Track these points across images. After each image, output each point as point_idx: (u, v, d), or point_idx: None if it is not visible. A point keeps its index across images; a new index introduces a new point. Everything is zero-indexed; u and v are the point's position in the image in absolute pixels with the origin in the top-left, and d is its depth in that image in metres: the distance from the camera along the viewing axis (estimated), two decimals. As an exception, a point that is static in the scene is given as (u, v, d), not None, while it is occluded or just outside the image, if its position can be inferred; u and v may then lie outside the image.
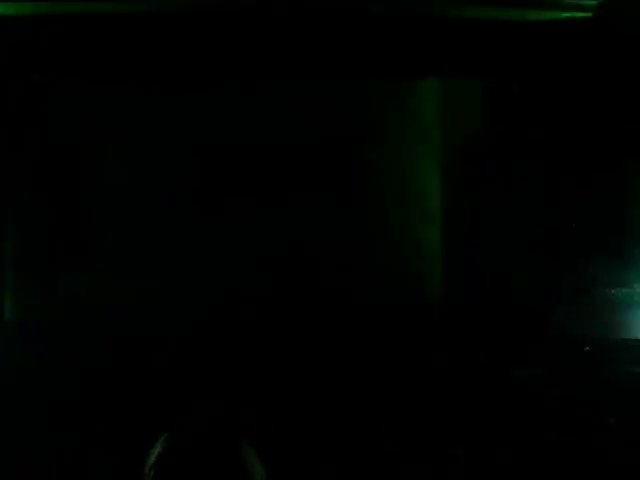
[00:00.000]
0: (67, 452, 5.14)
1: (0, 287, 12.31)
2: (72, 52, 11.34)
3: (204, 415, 2.07)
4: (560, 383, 8.09)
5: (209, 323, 11.09)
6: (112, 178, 12.85)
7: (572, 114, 11.74)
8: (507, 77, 12.14)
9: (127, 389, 8.87)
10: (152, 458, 1.95)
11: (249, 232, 12.48)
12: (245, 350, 10.29)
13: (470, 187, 13.92)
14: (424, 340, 11.35)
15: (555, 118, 11.86)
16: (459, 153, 14.14)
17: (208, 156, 12.79)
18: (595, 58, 11.22)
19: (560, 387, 7.83)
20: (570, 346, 10.67)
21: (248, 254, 12.23)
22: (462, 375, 9.61)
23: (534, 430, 3.77)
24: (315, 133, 12.88)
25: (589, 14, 10.98)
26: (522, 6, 11.37)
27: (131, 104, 12.89)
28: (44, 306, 12.08)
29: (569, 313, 11.22)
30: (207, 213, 12.65)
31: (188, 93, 12.64)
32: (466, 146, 14.10)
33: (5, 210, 12.53)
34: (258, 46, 11.12)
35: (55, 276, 12.41)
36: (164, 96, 12.66)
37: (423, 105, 14.45)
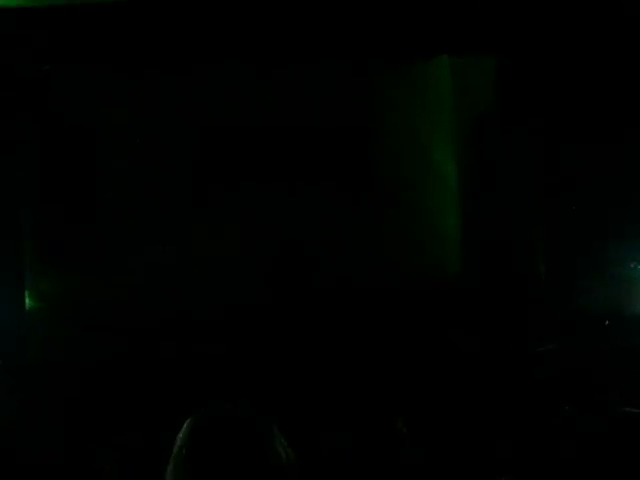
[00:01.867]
0: (89, 439, 5.16)
1: (20, 280, 12.45)
2: (79, 41, 11.36)
3: (232, 401, 2.04)
4: (578, 358, 8.05)
5: (226, 316, 11.10)
6: (119, 170, 12.90)
7: (587, 90, 11.63)
8: (520, 53, 12.06)
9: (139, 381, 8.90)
10: (183, 438, 1.93)
11: (267, 215, 12.47)
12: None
13: (485, 169, 13.87)
14: (445, 321, 11.35)
15: (568, 94, 11.76)
16: (474, 136, 14.07)
17: (224, 141, 12.78)
18: (610, 34, 11.10)
19: (578, 361, 7.79)
20: (589, 321, 10.62)
21: (264, 238, 12.22)
22: (482, 353, 9.58)
23: (551, 403, 3.74)
24: (330, 118, 12.84)
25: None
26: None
27: (138, 89, 12.89)
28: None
29: (587, 290, 11.16)
30: (222, 197, 12.65)
31: (194, 77, 12.63)
32: (479, 128, 14.03)
33: (21, 209, 12.63)
34: (268, 28, 11.06)
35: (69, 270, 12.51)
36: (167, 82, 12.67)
37: (437, 88, 14.42)
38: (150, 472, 3.09)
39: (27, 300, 12.51)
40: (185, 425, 1.98)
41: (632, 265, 10.70)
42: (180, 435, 1.95)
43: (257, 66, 12.14)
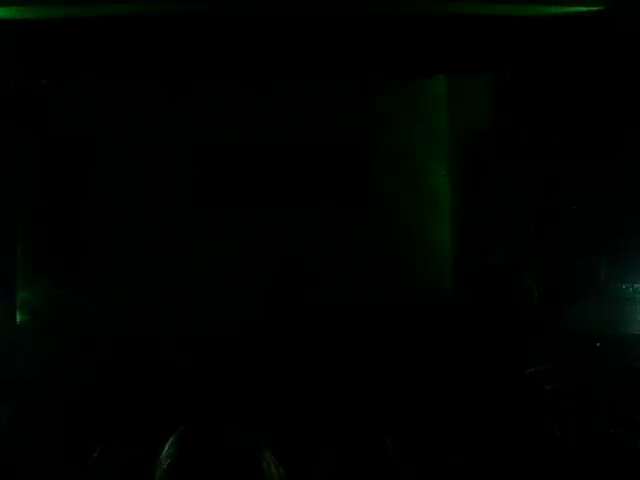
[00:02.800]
0: (80, 446, 5.17)
1: (11, 295, 12.45)
2: (78, 55, 11.39)
3: (220, 413, 2.05)
4: (570, 378, 8.06)
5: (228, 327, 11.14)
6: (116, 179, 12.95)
7: (581, 107, 11.68)
8: (515, 72, 12.12)
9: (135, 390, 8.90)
10: (169, 451, 1.93)
11: (265, 232, 12.51)
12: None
13: (478, 185, 13.92)
14: (438, 337, 11.39)
15: (563, 111, 11.81)
16: (467, 152, 14.13)
17: (223, 157, 12.82)
18: (604, 52, 11.17)
19: (570, 382, 7.79)
20: (581, 342, 10.63)
21: (263, 255, 12.25)
22: (473, 370, 9.59)
23: (542, 423, 3.76)
24: (326, 134, 12.90)
25: (600, 7, 10.93)
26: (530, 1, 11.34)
27: (139, 105, 12.95)
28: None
29: (580, 309, 11.18)
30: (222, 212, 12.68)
31: (192, 95, 12.69)
32: (474, 145, 14.08)
33: (15, 222, 12.65)
34: (267, 47, 11.13)
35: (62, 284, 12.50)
36: (170, 98, 12.72)
37: (432, 106, 14.48)
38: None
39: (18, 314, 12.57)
40: (171, 438, 1.98)
41: (625, 285, 10.73)
42: (166, 448, 1.95)
43: (256, 84, 12.22)
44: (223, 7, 10.98)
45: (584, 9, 10.96)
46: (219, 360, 9.93)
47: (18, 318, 12.62)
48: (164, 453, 1.97)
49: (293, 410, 7.62)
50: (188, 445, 1.99)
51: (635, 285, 10.64)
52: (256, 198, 12.76)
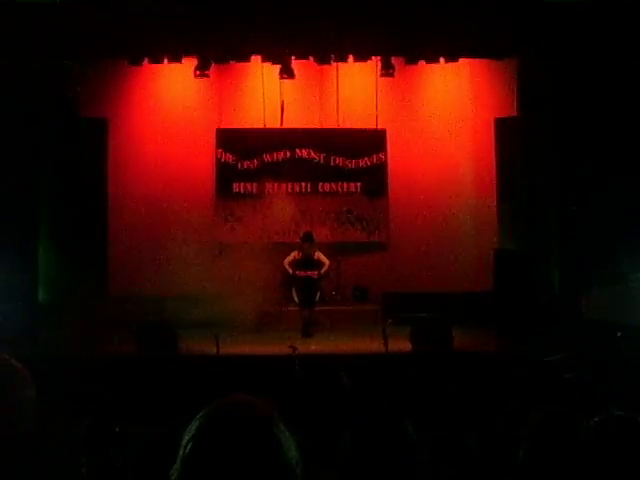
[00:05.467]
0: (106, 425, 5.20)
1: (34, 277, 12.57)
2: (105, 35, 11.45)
3: (240, 397, 2.07)
4: (590, 366, 8.03)
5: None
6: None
7: (612, 94, 11.57)
8: (541, 57, 12.04)
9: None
10: (190, 432, 1.97)
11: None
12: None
13: (504, 175, 13.90)
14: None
15: (591, 98, 11.70)
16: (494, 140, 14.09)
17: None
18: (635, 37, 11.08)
19: (589, 370, 7.77)
20: (601, 331, 10.57)
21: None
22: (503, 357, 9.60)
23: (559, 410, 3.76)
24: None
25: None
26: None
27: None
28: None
29: (600, 299, 11.13)
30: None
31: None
32: (499, 132, 14.04)
33: (37, 205, 12.75)
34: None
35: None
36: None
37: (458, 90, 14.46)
38: (159, 466, 3.13)
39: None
40: (196, 418, 2.02)
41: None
42: (190, 427, 1.99)
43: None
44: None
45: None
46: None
47: (40, 296, 12.77)
48: (188, 430, 2.00)
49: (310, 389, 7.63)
50: (210, 418, 2.02)
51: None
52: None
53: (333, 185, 14.63)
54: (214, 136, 14.45)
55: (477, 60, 13.72)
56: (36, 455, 2.98)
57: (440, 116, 14.45)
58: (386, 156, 14.61)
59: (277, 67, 13.39)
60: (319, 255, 12.59)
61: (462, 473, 3.72)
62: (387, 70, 13.65)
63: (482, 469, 3.93)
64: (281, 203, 13.93)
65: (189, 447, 2.00)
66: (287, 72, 13.33)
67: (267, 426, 2.03)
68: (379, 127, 14.51)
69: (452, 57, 13.39)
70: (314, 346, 11.26)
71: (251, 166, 14.52)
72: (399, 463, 2.71)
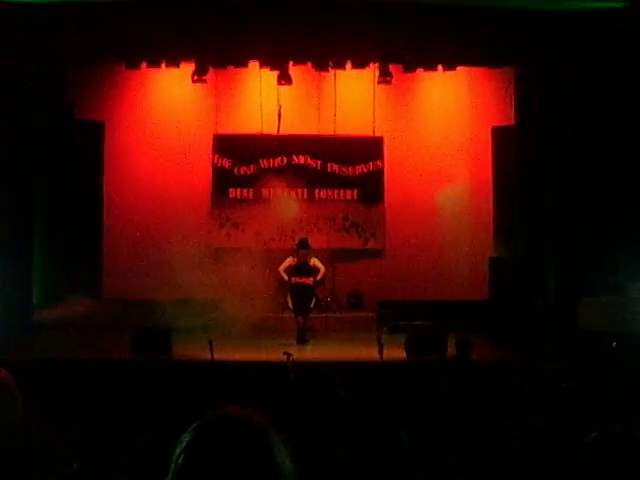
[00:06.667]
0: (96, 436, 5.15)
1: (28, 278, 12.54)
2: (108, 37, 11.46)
3: (234, 409, 2.04)
4: (586, 376, 8.01)
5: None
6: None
7: (604, 103, 11.57)
8: (540, 66, 12.03)
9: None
10: (182, 444, 1.94)
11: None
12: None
13: (501, 182, 13.91)
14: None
15: (589, 107, 11.70)
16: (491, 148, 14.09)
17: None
18: (629, 47, 11.06)
19: (586, 380, 7.75)
20: (597, 340, 10.56)
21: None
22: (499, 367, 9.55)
23: (559, 419, 3.73)
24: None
25: (628, 4, 10.81)
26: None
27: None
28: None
29: (598, 309, 11.12)
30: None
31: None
32: (497, 140, 14.05)
33: (33, 208, 12.74)
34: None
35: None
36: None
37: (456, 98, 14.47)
38: (152, 474, 3.10)
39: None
40: (189, 430, 1.98)
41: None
42: (182, 438, 1.96)
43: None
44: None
45: (609, 5, 10.85)
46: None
47: (34, 300, 12.73)
48: (180, 442, 1.97)
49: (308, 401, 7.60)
50: (203, 430, 1.99)
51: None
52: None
53: (329, 192, 14.62)
54: (211, 141, 14.42)
55: (475, 69, 13.75)
56: (25, 459, 2.94)
57: (437, 124, 14.46)
58: (383, 163, 14.61)
59: (275, 73, 13.41)
60: (315, 262, 12.56)
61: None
62: (385, 77, 13.66)
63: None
64: (277, 209, 13.91)
65: (181, 460, 1.96)
66: (285, 78, 13.33)
67: (262, 439, 1.99)
68: (376, 134, 14.50)
69: (450, 65, 13.42)
70: (309, 353, 11.23)
71: (248, 172, 14.50)
72: (394, 473, 2.69)
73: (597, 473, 2.33)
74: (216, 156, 14.45)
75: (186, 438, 2.00)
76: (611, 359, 9.53)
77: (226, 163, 14.46)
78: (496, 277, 12.32)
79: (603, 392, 6.97)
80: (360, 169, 14.62)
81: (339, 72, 13.82)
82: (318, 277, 12.58)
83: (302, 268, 12.43)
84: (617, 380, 7.92)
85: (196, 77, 13.54)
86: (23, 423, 3.37)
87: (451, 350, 10.45)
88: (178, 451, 1.99)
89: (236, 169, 14.49)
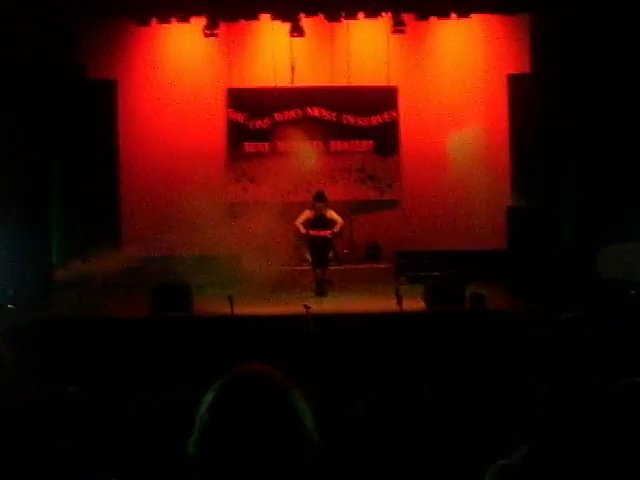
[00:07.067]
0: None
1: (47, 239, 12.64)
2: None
3: (255, 367, 2.07)
4: (604, 325, 8.02)
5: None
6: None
7: (624, 53, 11.43)
8: (554, 13, 11.89)
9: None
10: (206, 404, 1.97)
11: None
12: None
13: (517, 133, 13.82)
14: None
15: (604, 58, 11.56)
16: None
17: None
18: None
19: (604, 329, 7.76)
20: (615, 289, 10.54)
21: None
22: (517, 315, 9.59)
23: (576, 369, 3.73)
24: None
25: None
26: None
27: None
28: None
29: (616, 257, 11.09)
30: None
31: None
32: (512, 89, 13.92)
33: (48, 171, 12.79)
34: None
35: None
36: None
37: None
38: (175, 433, 3.15)
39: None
40: (212, 389, 2.02)
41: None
42: (207, 397, 1.99)
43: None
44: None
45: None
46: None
47: (54, 260, 12.84)
48: (203, 402, 2.01)
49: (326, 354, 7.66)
50: (226, 388, 2.03)
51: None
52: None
53: (345, 143, 14.56)
54: (225, 96, 14.36)
55: (489, 16, 13.56)
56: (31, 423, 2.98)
57: (452, 73, 14.30)
58: (398, 114, 14.50)
59: (287, 25, 13.29)
60: (332, 214, 12.56)
61: (464, 437, 3.71)
62: (398, 27, 13.51)
63: (485, 433, 3.93)
64: (293, 162, 13.88)
65: (206, 418, 2.01)
66: (297, 30, 13.22)
67: (283, 396, 2.03)
68: (391, 84, 14.39)
69: (463, 12, 13.24)
70: (328, 305, 11.29)
71: (262, 125, 14.45)
72: (416, 427, 2.71)
73: (624, 423, 2.34)
74: (230, 110, 14.40)
75: (210, 397, 2.04)
76: (630, 307, 9.53)
77: (240, 117, 14.42)
78: (514, 227, 12.30)
79: (620, 341, 6.99)
80: (375, 120, 14.54)
81: (352, 23, 13.69)
82: (335, 229, 12.58)
83: (319, 221, 12.44)
84: (636, 329, 7.93)
85: (207, 32, 13.44)
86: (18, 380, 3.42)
87: (468, 302, 10.55)
88: (202, 411, 2.03)
89: (251, 123, 14.44)
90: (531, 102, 13.13)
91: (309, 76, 14.24)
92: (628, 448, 2.28)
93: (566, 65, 12.16)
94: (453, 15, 13.35)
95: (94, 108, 13.39)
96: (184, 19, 13.26)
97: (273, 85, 14.19)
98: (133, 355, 8.12)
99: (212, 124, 14.27)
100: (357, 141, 14.57)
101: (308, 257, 12.55)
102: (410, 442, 2.67)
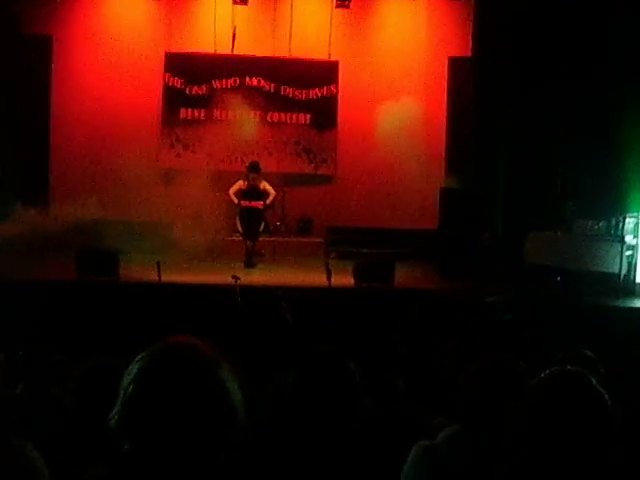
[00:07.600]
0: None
1: None
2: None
3: (181, 338, 2.02)
4: (529, 309, 8.17)
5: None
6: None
7: (563, 34, 11.54)
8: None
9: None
10: (131, 375, 1.91)
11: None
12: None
13: (455, 115, 13.90)
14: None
15: (544, 39, 11.67)
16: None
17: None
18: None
19: (528, 313, 7.91)
20: (542, 275, 10.73)
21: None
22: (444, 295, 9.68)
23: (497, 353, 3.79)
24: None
25: None
26: None
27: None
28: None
29: (544, 244, 11.26)
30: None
31: None
32: (453, 72, 13.98)
33: None
34: None
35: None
36: None
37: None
38: (98, 397, 3.09)
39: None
40: (136, 360, 1.97)
41: (590, 222, 10.79)
42: (131, 368, 1.94)
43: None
44: None
45: None
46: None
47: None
48: (128, 372, 1.95)
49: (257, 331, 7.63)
50: (151, 360, 1.97)
51: (600, 223, 10.70)
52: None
53: (282, 115, 14.48)
54: (162, 60, 14.12)
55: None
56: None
57: (394, 52, 14.32)
58: (337, 89, 14.47)
59: (230, -8, 13.13)
60: (265, 185, 12.48)
61: (388, 412, 3.73)
62: (342, 2, 13.46)
63: (408, 409, 3.95)
64: (228, 131, 13.77)
65: (130, 390, 1.95)
66: (240, -3, 13.07)
67: (212, 370, 1.99)
68: (332, 59, 14.33)
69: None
70: (257, 277, 11.26)
71: (199, 92, 14.27)
72: (342, 401, 2.71)
73: (548, 412, 2.36)
74: (167, 75, 14.17)
75: (134, 368, 1.98)
76: (554, 294, 9.72)
77: (177, 82, 14.21)
78: (446, 208, 12.42)
79: (544, 326, 7.11)
80: (314, 93, 14.48)
81: (296, -6, 13.62)
82: (268, 201, 12.51)
83: (252, 191, 12.35)
84: (558, 315, 8.09)
85: (149, -8, 13.21)
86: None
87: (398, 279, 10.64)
88: (126, 382, 1.97)
89: (188, 89, 14.24)
90: (469, 85, 13.22)
91: (250, 45, 14.08)
92: (559, 437, 2.31)
93: (505, 50, 12.26)
94: None
95: (28, 64, 12.98)
96: (125, -23, 12.97)
97: (213, 52, 14.00)
98: (54, 319, 7.99)
99: (148, 87, 14.02)
100: (295, 114, 14.50)
101: (239, 227, 12.46)
102: (334, 416, 2.67)
